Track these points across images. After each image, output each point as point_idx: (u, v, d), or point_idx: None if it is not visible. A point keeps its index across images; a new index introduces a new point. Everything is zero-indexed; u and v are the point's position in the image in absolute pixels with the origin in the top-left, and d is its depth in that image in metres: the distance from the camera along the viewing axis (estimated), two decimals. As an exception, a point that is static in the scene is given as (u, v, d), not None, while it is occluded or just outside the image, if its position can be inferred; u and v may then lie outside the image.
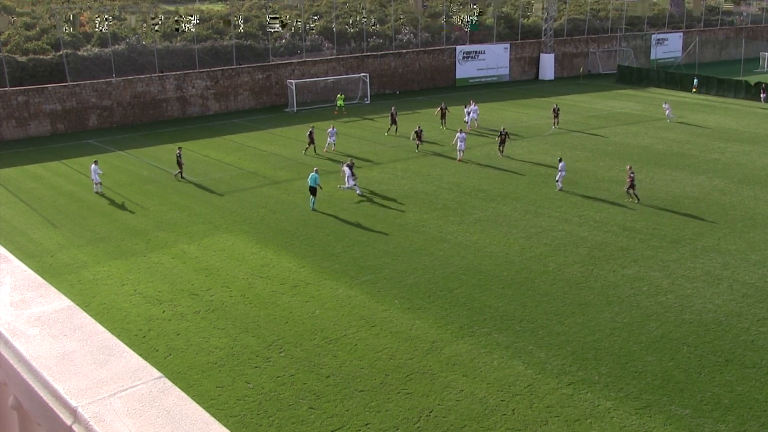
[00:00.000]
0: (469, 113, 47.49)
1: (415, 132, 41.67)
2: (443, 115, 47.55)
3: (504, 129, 40.62)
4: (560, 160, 34.17)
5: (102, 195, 33.48)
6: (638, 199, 31.71)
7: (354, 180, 32.86)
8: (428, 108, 54.64)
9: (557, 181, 33.67)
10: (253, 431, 15.82)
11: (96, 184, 33.69)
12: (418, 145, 41.40)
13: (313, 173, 31.00)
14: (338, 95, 55.28)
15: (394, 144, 43.17)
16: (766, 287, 22.94)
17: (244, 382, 17.68)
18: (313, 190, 30.78)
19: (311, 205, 31.09)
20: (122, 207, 31.97)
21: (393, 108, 47.45)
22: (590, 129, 47.83)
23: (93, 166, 33.67)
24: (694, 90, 62.93)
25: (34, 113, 47.29)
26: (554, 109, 48.21)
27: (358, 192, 32.85)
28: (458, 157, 38.94)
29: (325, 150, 41.21)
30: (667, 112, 50.88)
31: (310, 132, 41.02)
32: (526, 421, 15.97)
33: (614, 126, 48.83)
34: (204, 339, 19.84)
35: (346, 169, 32.95)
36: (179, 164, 35.95)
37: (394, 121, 45.92)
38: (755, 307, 21.54)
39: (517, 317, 20.94)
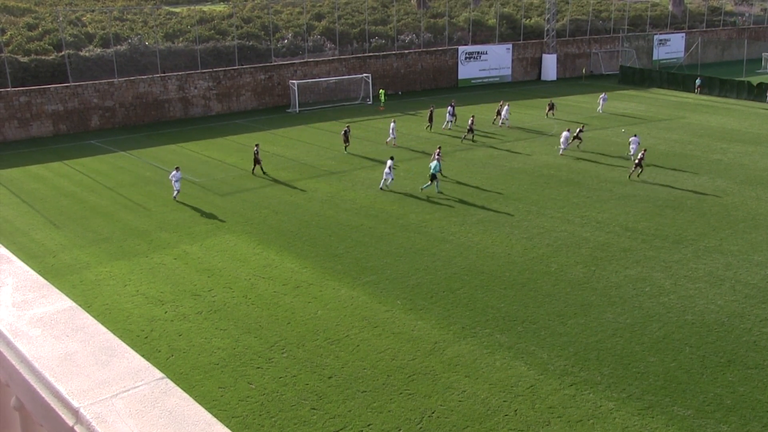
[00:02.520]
0: (500, 112, 49.01)
1: (469, 124, 44.30)
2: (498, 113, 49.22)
3: (582, 127, 41.74)
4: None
5: (179, 202, 32.36)
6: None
7: (391, 174, 33.87)
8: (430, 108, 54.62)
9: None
10: (255, 432, 15.83)
11: (176, 191, 32.41)
12: (465, 137, 44.07)
13: (435, 161, 33.16)
14: (380, 90, 56.98)
15: (397, 145, 43.15)
16: (769, 288, 22.91)
17: (246, 382, 17.68)
18: (433, 177, 32.76)
19: (428, 187, 33.07)
20: (124, 207, 32.00)
21: (431, 107, 47.99)
22: (592, 129, 47.78)
23: (174, 172, 32.27)
24: (697, 90, 62.70)
25: (36, 114, 47.35)
26: (549, 104, 51.30)
27: (386, 184, 33.98)
28: (560, 152, 40.98)
29: (387, 142, 42.62)
30: (601, 102, 53.42)
31: (345, 131, 41.68)
32: (529, 422, 15.96)
33: (617, 126, 48.79)
34: (206, 340, 19.85)
35: (390, 162, 34.22)
36: (256, 161, 36.35)
37: (431, 120, 46.89)
38: (757, 307, 21.51)
39: (520, 318, 20.92)
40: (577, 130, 41.98)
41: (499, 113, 49.18)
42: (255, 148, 36.96)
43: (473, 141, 43.96)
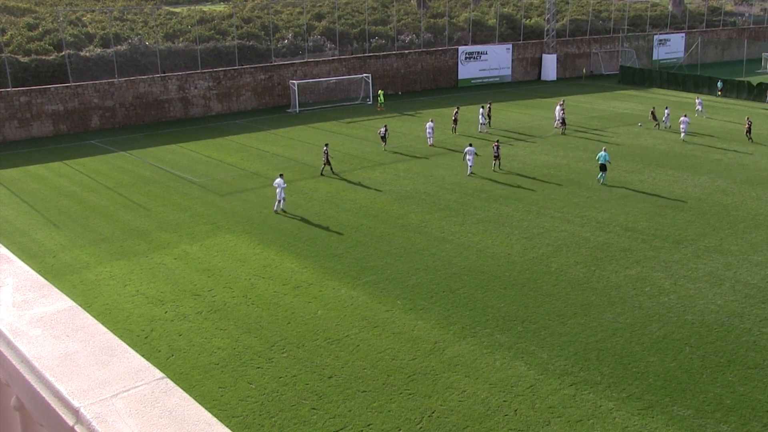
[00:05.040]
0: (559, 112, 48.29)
1: (561, 119, 46.65)
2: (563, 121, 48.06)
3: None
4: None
5: (283, 213, 30.55)
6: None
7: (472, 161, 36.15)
8: (430, 108, 54.64)
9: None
10: (255, 432, 15.84)
11: (279, 200, 30.47)
12: (563, 130, 46.39)
13: (603, 152, 34.92)
14: (379, 90, 56.70)
15: (397, 144, 43.17)
16: (769, 288, 22.91)
17: (247, 382, 17.69)
18: (603, 167, 34.50)
19: (600, 180, 34.70)
20: (124, 207, 31.99)
21: (456, 108, 47.75)
22: (592, 129, 47.81)
23: (278, 179, 30.43)
24: (719, 93, 61.89)
25: (37, 114, 47.36)
26: (652, 112, 48.76)
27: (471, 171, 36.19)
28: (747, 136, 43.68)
29: (431, 145, 42.86)
30: (699, 107, 52.00)
31: (384, 130, 42.03)
32: (529, 422, 15.96)
33: (617, 127, 48.79)
34: (206, 340, 19.85)
35: (470, 149, 36.37)
36: (327, 161, 36.40)
37: (455, 122, 46.45)
38: (757, 307, 21.51)
39: (520, 318, 20.92)
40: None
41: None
42: (324, 148, 36.70)
43: (563, 134, 46.11)
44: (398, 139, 44.50)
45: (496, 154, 36.96)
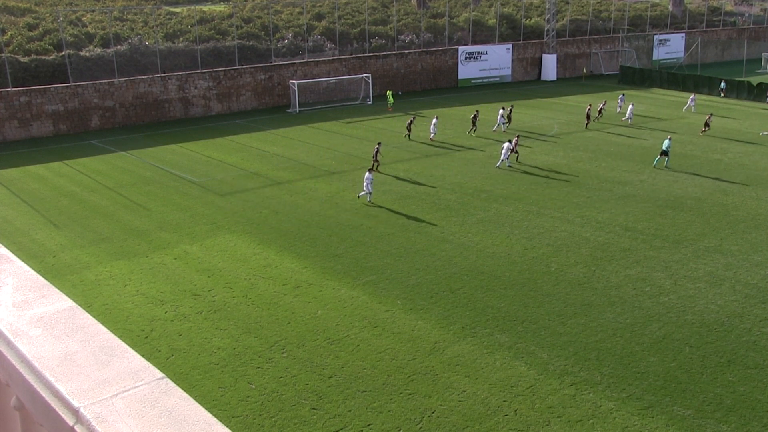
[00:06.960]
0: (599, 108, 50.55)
1: (597, 110, 50.00)
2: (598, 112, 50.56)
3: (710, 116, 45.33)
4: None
5: (372, 204, 31.69)
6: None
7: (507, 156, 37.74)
8: (430, 108, 54.62)
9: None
10: (255, 432, 15.84)
11: (368, 194, 31.70)
12: (587, 124, 48.57)
13: (667, 140, 37.86)
14: (387, 91, 57.42)
15: (397, 144, 43.18)
16: (769, 288, 22.90)
17: (247, 382, 17.69)
18: (665, 153, 37.49)
19: (655, 163, 37.94)
20: (124, 207, 31.99)
21: (476, 111, 47.83)
22: (592, 129, 47.80)
23: (367, 174, 31.85)
24: (722, 94, 61.83)
25: (37, 114, 47.36)
26: (708, 120, 46.47)
27: (507, 165, 37.93)
28: None
29: (431, 138, 44.30)
30: (691, 104, 53.77)
31: (410, 121, 45.10)
32: (529, 422, 15.96)
33: (616, 127, 48.79)
34: (206, 340, 19.85)
35: (507, 145, 37.99)
36: (376, 159, 37.09)
37: (474, 123, 46.49)
38: (757, 307, 21.51)
39: (520, 318, 20.92)
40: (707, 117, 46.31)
41: (600, 111, 50.47)
42: (376, 147, 37.40)
43: (586, 128, 48.21)
44: (400, 139, 44.49)
45: (513, 148, 38.67)
